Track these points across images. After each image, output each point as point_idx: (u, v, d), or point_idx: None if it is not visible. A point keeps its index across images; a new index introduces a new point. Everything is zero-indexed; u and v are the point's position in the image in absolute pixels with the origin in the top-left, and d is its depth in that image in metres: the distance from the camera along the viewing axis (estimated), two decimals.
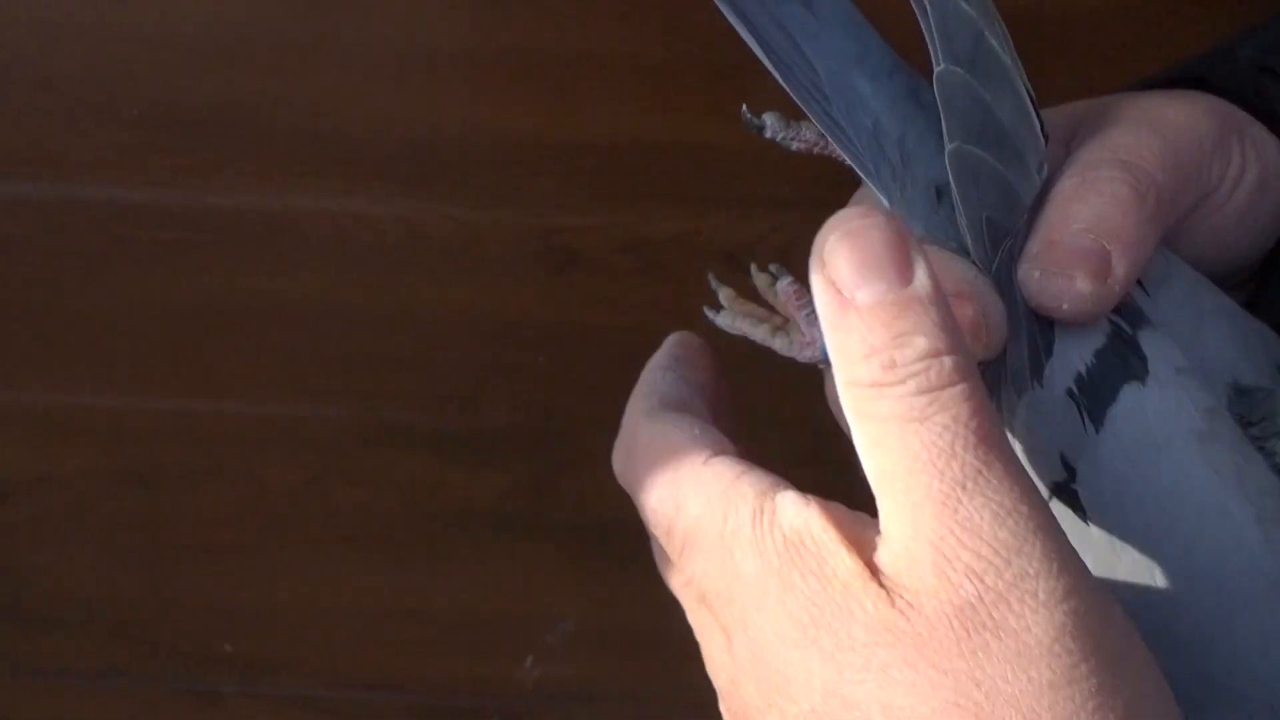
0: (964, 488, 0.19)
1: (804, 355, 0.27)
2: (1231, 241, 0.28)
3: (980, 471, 0.19)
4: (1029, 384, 0.24)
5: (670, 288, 0.59)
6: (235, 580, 0.72)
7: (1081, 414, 0.24)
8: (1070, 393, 0.24)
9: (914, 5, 0.25)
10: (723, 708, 0.24)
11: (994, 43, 0.25)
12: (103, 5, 0.51)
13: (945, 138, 0.24)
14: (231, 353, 0.62)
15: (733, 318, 0.28)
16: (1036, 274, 0.24)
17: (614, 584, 0.72)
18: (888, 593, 0.19)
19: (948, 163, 0.24)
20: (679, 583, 0.24)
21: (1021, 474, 0.20)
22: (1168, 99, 0.29)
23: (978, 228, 0.24)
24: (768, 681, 0.21)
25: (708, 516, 0.22)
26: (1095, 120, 0.27)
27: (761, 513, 0.21)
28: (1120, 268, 0.24)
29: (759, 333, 0.28)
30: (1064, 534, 0.20)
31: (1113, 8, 0.51)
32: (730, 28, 0.26)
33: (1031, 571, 0.19)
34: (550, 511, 0.69)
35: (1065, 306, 0.24)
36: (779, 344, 0.28)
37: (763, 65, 0.26)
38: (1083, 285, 0.24)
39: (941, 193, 0.25)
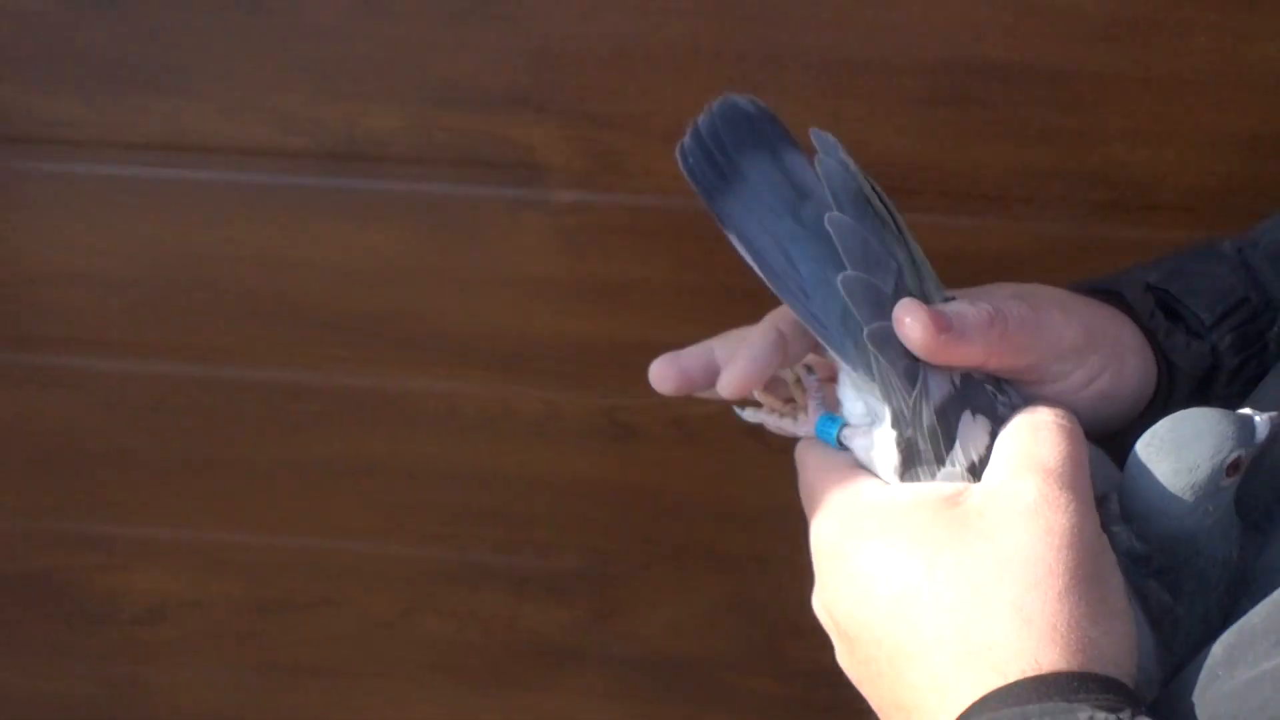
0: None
1: (803, 430, 0.38)
2: (1091, 416, 0.38)
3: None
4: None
5: (710, 455, 0.71)
6: (336, 700, 0.83)
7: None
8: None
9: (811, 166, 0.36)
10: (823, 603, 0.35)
11: (870, 190, 0.35)
12: (290, 239, 0.67)
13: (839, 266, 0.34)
14: (353, 501, 0.75)
15: (755, 415, 0.40)
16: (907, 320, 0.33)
17: (659, 714, 0.81)
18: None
19: (840, 285, 0.34)
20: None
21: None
22: (1072, 300, 0.39)
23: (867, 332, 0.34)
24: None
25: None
26: (1020, 290, 0.39)
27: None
28: (950, 337, 0.33)
29: (772, 420, 0.39)
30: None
31: (1021, 250, 0.64)
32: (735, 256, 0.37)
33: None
34: (606, 645, 0.79)
35: (913, 338, 0.33)
36: (788, 424, 0.39)
37: (765, 286, 0.36)
38: (913, 331, 0.33)
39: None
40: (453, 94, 0.62)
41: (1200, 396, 0.41)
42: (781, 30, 0.60)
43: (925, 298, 0.35)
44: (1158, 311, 0.41)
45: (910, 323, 0.33)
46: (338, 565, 0.78)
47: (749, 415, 0.40)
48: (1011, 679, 0.28)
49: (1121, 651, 0.30)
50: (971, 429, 0.34)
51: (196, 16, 0.61)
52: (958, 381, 0.35)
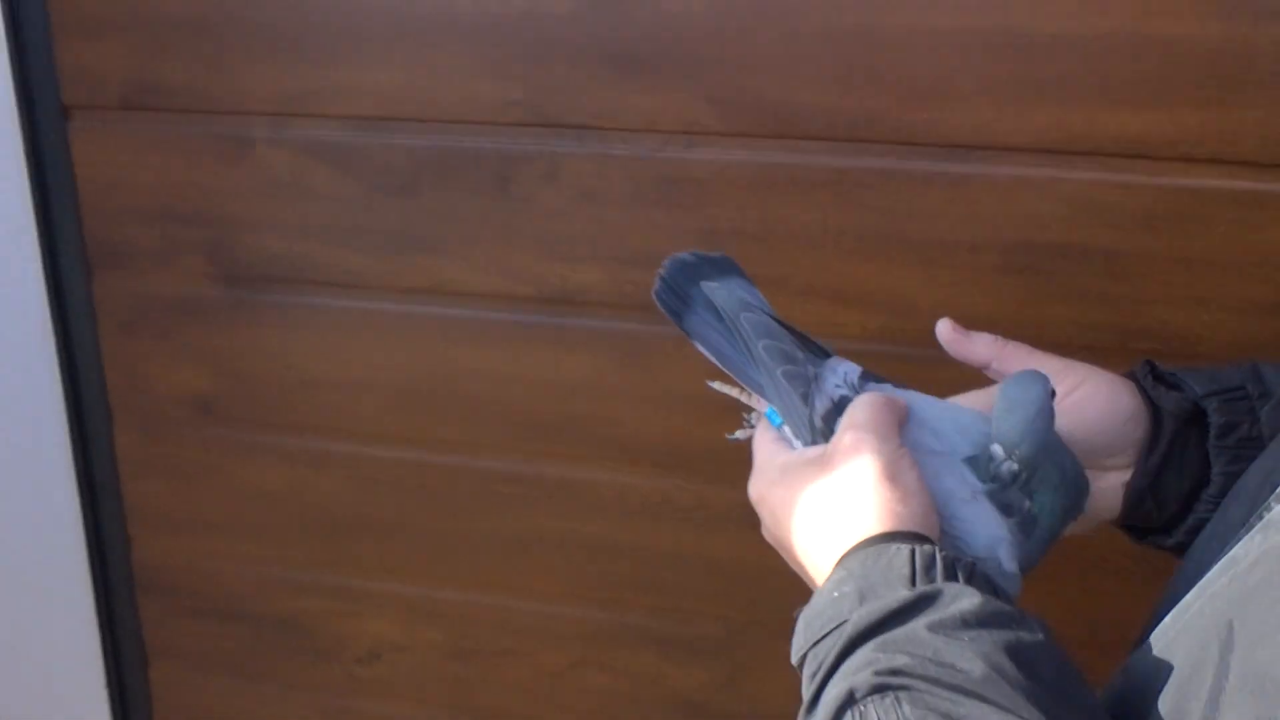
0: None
1: (758, 406, 0.59)
2: (1075, 419, 0.55)
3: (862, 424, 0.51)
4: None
5: None
6: None
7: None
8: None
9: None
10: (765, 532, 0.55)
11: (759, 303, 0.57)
12: (512, 360, 0.87)
13: (757, 340, 0.55)
14: (537, 568, 0.93)
15: (723, 387, 0.61)
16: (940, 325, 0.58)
17: None
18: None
19: (762, 352, 0.54)
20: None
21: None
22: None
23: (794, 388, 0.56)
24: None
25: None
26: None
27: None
28: (961, 335, 0.58)
29: (743, 397, 0.61)
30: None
31: None
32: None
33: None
34: (735, 704, 0.93)
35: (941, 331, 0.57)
36: (749, 401, 0.60)
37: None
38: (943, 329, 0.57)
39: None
40: (639, 257, 0.82)
41: (1191, 440, 0.56)
42: (891, 218, 0.78)
43: (819, 349, 0.57)
44: (1146, 368, 0.57)
45: (941, 326, 0.59)
46: (520, 622, 0.95)
47: (719, 386, 0.62)
48: (857, 540, 0.47)
49: (920, 515, 0.48)
50: (840, 422, 0.54)
51: (462, 200, 0.84)
52: (836, 399, 0.55)
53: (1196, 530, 0.55)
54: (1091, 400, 0.56)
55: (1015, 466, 0.51)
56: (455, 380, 0.88)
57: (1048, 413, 0.51)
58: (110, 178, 0.89)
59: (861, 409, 0.52)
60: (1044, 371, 0.53)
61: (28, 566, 1.01)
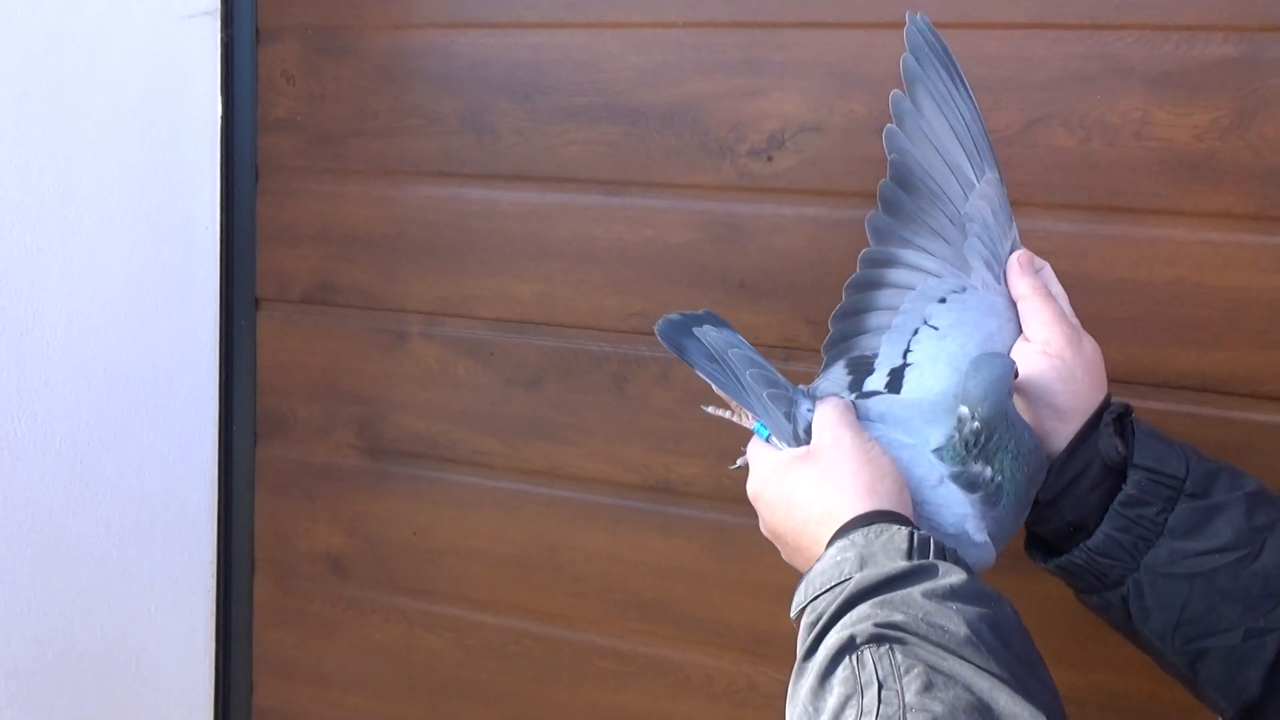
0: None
1: (747, 424, 0.67)
2: (1047, 382, 0.61)
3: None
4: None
5: None
6: None
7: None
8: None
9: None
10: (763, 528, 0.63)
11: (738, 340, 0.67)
12: (617, 542, 0.94)
13: (744, 370, 0.64)
14: None
15: (718, 411, 0.70)
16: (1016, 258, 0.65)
17: None
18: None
19: (749, 379, 0.64)
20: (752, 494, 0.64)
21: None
22: (1096, 360, 0.64)
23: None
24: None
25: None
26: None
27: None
28: (1034, 269, 0.65)
29: (734, 418, 0.69)
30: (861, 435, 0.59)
31: None
32: None
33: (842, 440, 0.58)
34: None
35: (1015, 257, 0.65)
36: (738, 420, 0.69)
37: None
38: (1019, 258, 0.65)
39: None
40: (737, 455, 0.89)
41: (1104, 485, 0.59)
42: None
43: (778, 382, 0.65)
44: (1116, 410, 0.61)
45: (1014, 257, 0.65)
46: None
47: (713, 410, 0.71)
48: (845, 521, 0.55)
49: (896, 493, 0.54)
50: (815, 425, 0.62)
51: (583, 395, 0.93)
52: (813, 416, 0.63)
53: (1066, 572, 0.60)
54: (1061, 371, 0.61)
55: (977, 425, 0.58)
56: (562, 556, 0.95)
57: (1006, 384, 0.58)
58: (285, 360, 1.02)
59: (831, 411, 0.61)
60: (1054, 333, 0.61)
61: (158, 704, 1.09)
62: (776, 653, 0.90)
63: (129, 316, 0.98)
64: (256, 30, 0.99)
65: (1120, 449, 0.60)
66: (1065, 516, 0.60)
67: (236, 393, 1.04)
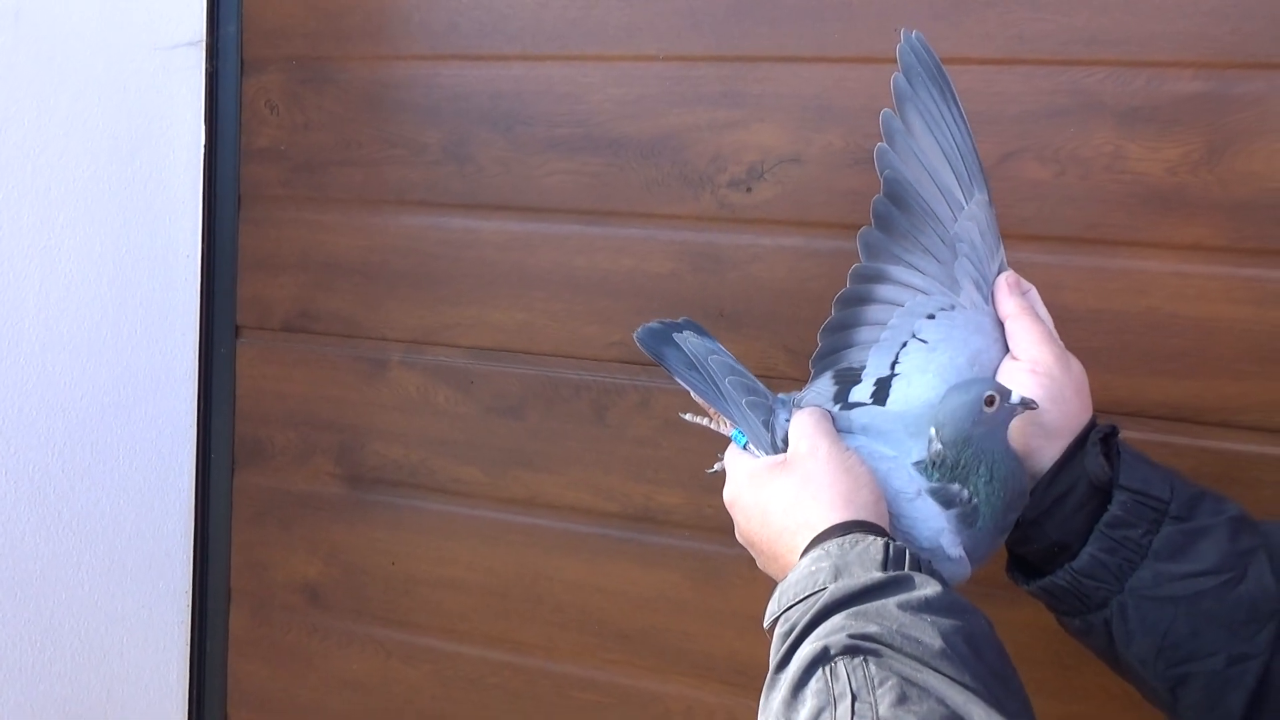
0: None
1: (725, 432, 0.66)
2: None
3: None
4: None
5: None
6: None
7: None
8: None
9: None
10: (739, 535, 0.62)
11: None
12: (596, 571, 0.92)
13: (723, 377, 0.64)
14: None
15: (695, 419, 0.69)
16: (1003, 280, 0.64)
17: None
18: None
19: (728, 386, 0.64)
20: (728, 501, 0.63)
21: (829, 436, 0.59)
22: (1082, 380, 0.62)
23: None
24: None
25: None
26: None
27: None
28: (1020, 290, 0.64)
29: (712, 425, 0.67)
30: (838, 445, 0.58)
31: None
32: None
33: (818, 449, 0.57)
34: None
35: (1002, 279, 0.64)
36: (715, 428, 0.68)
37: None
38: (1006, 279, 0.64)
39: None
40: (718, 483, 0.87)
41: (1089, 506, 0.58)
42: None
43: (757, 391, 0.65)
44: (1102, 431, 0.60)
45: (1002, 278, 0.64)
46: None
47: (690, 417, 0.71)
48: (820, 530, 0.54)
49: (872, 503, 0.53)
50: (791, 433, 0.62)
51: (563, 424, 0.92)
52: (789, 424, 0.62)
53: (1049, 594, 0.59)
54: (1050, 389, 0.60)
55: (939, 447, 0.58)
56: (541, 585, 0.93)
57: (971, 410, 0.58)
58: (264, 388, 1.01)
59: (808, 420, 0.60)
60: (1042, 353, 0.61)
61: None
62: (757, 684, 0.86)
63: (107, 343, 0.96)
64: (241, 61, 0.98)
65: (1106, 469, 0.59)
66: (1050, 536, 0.59)
67: (215, 420, 1.02)
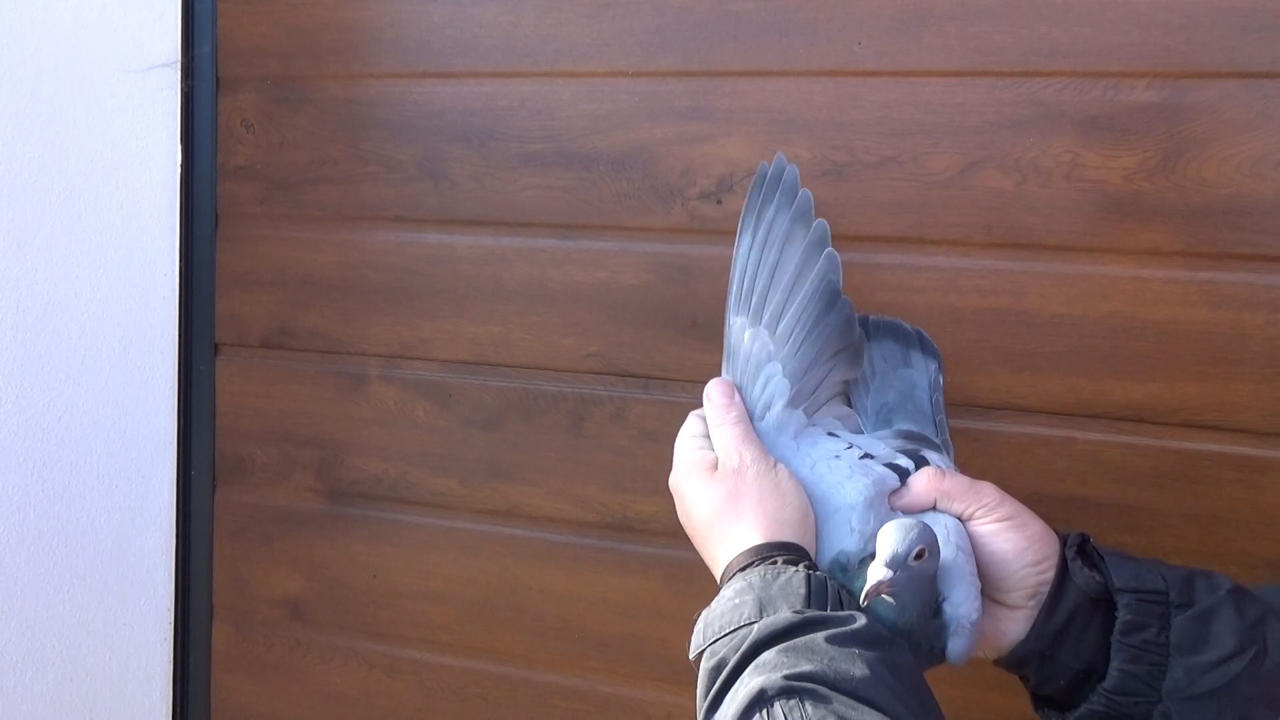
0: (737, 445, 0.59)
1: None
2: (997, 541, 0.58)
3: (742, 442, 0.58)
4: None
5: None
6: None
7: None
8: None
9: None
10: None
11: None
12: (575, 580, 0.91)
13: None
14: None
15: None
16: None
17: None
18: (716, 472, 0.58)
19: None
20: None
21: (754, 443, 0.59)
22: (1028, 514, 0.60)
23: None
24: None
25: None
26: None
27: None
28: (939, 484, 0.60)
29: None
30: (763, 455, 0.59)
31: None
32: None
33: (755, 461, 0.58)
34: None
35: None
36: None
37: None
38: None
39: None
40: None
41: (1095, 623, 0.54)
42: None
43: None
44: (1077, 540, 0.57)
45: (923, 472, 0.61)
46: None
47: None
48: (743, 549, 0.54)
49: (797, 520, 0.52)
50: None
51: (540, 435, 0.91)
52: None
53: None
54: (1006, 534, 0.57)
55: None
56: (521, 595, 0.92)
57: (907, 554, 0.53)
58: (244, 404, 0.99)
59: (734, 433, 0.60)
60: (983, 499, 0.58)
61: None
62: None
63: (85, 363, 0.94)
64: (216, 81, 0.97)
65: (1097, 577, 0.57)
66: (1071, 667, 0.56)
67: (195, 437, 1.01)
